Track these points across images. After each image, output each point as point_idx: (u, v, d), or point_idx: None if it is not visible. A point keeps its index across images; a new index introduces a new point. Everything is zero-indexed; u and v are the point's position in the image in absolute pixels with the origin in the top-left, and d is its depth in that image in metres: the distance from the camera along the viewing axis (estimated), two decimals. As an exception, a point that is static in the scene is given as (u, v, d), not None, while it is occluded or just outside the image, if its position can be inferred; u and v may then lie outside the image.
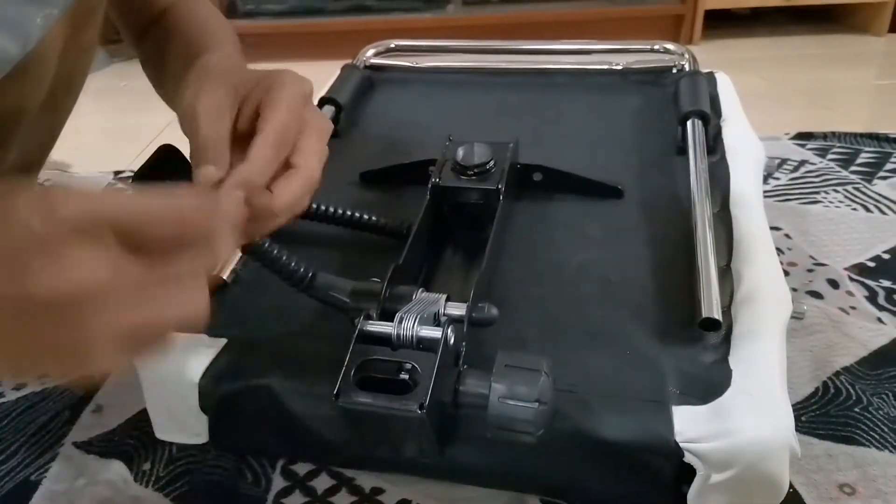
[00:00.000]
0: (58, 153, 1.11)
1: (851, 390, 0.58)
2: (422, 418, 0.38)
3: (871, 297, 0.71)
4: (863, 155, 1.02)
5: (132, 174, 0.45)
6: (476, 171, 0.57)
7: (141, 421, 0.57)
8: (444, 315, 0.43)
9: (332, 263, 0.56)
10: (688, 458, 0.42)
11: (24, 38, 0.44)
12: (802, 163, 1.01)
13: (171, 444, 0.54)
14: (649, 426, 0.43)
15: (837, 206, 0.89)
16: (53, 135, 0.59)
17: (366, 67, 0.91)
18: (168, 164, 0.49)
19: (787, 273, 0.74)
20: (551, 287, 0.54)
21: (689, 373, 0.45)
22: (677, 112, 0.73)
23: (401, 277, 0.46)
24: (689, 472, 0.43)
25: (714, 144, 0.69)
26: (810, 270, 0.76)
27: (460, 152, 0.58)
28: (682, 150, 0.68)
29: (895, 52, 1.64)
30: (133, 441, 0.56)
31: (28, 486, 0.53)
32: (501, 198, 0.56)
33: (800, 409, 0.57)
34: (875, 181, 0.94)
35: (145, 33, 0.60)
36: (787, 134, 1.10)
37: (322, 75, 0.74)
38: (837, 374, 0.60)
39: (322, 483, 0.52)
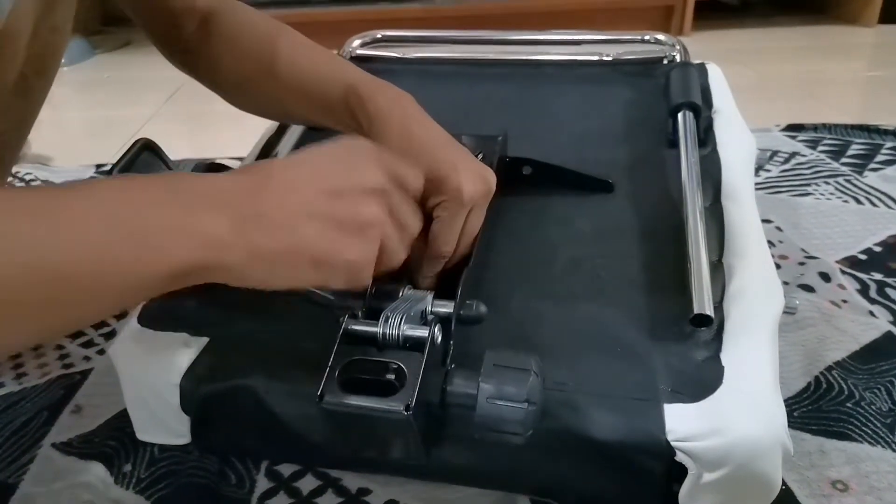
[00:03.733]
0: (39, 146, 1.09)
1: (844, 385, 0.58)
2: (408, 420, 0.37)
3: (863, 291, 0.70)
4: (853, 147, 1.02)
5: (111, 167, 0.44)
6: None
7: (121, 421, 0.55)
8: (431, 313, 0.42)
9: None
10: (679, 457, 0.41)
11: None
12: (793, 155, 1.00)
13: (152, 445, 0.53)
14: (640, 425, 0.42)
15: (829, 199, 0.88)
16: (27, 119, 0.57)
17: (352, 58, 0.89)
18: (146, 159, 0.48)
19: (778, 266, 0.72)
20: (540, 283, 0.53)
21: (681, 370, 0.45)
22: (668, 104, 0.72)
23: (387, 274, 0.45)
24: (680, 471, 0.42)
25: (705, 137, 0.68)
26: (802, 263, 0.75)
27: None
28: (673, 143, 0.67)
29: (885, 43, 1.64)
30: (113, 442, 0.55)
31: (5, 489, 0.51)
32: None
33: (792, 404, 0.56)
34: (866, 173, 0.94)
35: (189, 43, 0.59)
36: (777, 126, 1.10)
37: (307, 66, 0.72)
38: (829, 368, 0.60)
39: (307, 484, 0.51)
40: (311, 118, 0.60)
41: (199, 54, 0.60)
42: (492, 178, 0.49)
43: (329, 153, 0.40)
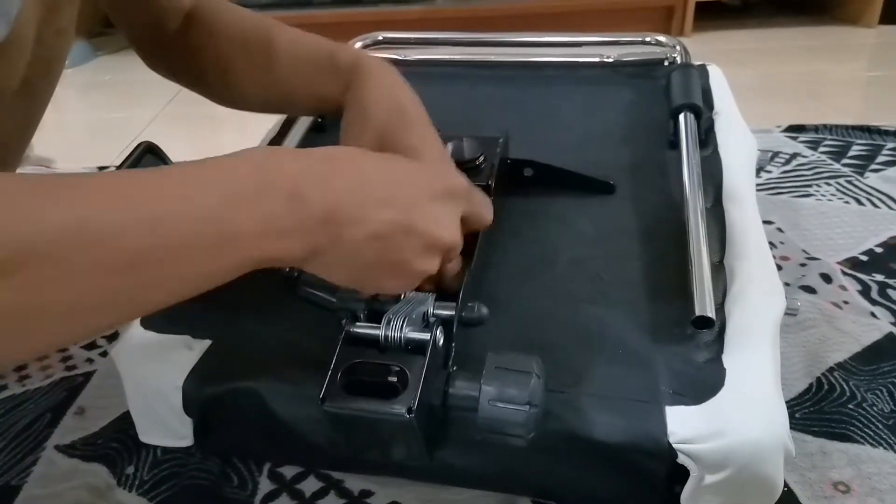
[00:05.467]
0: (42, 148, 1.09)
1: (845, 386, 0.58)
2: (410, 422, 0.37)
3: (864, 292, 0.70)
4: (854, 147, 1.02)
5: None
6: (465, 166, 0.56)
7: (124, 424, 0.55)
8: (433, 315, 0.42)
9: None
10: (681, 459, 0.41)
11: (6, 15, 0.43)
12: (794, 156, 1.00)
13: (155, 447, 0.53)
14: (642, 427, 0.42)
15: (830, 200, 0.88)
16: (31, 122, 0.57)
17: (353, 60, 0.89)
18: (149, 162, 0.48)
19: (779, 267, 0.73)
20: (542, 285, 0.53)
21: (683, 372, 0.45)
22: (669, 105, 0.72)
23: None
24: (682, 473, 0.42)
25: (706, 138, 0.69)
26: (803, 265, 0.75)
27: (449, 148, 0.57)
28: (675, 144, 0.67)
29: (885, 43, 1.64)
30: (116, 444, 0.55)
31: (9, 491, 0.52)
32: (491, 194, 0.55)
33: (793, 405, 0.56)
34: (867, 174, 0.94)
35: (171, 42, 0.59)
36: (778, 126, 1.10)
37: (309, 69, 0.73)
38: (831, 369, 0.60)
39: (310, 486, 0.51)
40: (295, 99, 0.60)
41: (180, 52, 0.60)
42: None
43: (416, 175, 0.40)
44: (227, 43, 0.59)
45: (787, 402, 0.43)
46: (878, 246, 0.78)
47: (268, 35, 0.58)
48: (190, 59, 0.60)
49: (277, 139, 0.74)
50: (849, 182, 0.92)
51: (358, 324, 0.41)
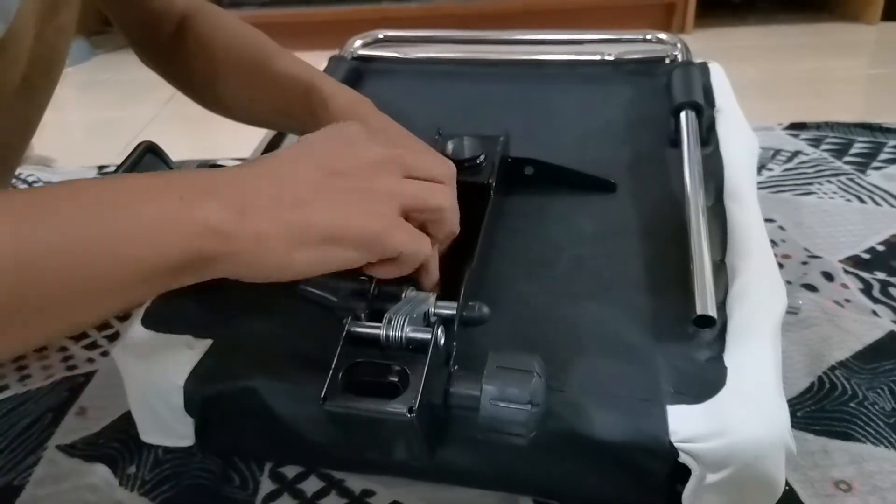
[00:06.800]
0: (41, 148, 1.09)
1: (847, 385, 0.58)
2: (411, 422, 0.37)
3: (866, 290, 0.70)
4: (856, 145, 1.02)
5: (114, 170, 0.44)
6: (466, 165, 0.56)
7: (125, 424, 0.56)
8: (434, 315, 0.42)
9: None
10: (682, 458, 0.41)
11: (4, 11, 0.43)
12: (796, 153, 1.00)
13: (156, 447, 0.53)
14: (643, 426, 0.42)
15: (831, 198, 0.88)
16: (31, 122, 0.58)
17: (353, 59, 0.89)
18: (149, 161, 0.48)
19: (781, 266, 0.73)
20: (543, 284, 0.53)
21: (684, 371, 0.45)
22: (670, 103, 0.72)
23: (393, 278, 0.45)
24: (683, 473, 0.42)
25: (707, 136, 0.68)
26: (805, 263, 0.75)
27: (450, 146, 0.56)
28: (676, 143, 0.67)
29: (887, 40, 1.64)
30: (118, 444, 0.55)
31: (11, 491, 0.52)
32: (492, 193, 0.55)
33: (795, 404, 0.56)
34: (869, 172, 0.94)
35: (166, 44, 0.60)
36: (780, 124, 1.10)
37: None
38: (833, 368, 0.60)
39: (311, 486, 0.51)
40: (274, 119, 0.61)
41: (174, 55, 0.60)
42: (452, 165, 0.50)
43: (322, 137, 0.41)
44: (221, 56, 0.59)
45: (788, 401, 0.43)
46: (879, 244, 0.78)
47: (261, 58, 0.58)
48: (182, 64, 0.61)
49: (277, 138, 0.74)
50: (851, 180, 0.92)
51: (359, 323, 0.41)
